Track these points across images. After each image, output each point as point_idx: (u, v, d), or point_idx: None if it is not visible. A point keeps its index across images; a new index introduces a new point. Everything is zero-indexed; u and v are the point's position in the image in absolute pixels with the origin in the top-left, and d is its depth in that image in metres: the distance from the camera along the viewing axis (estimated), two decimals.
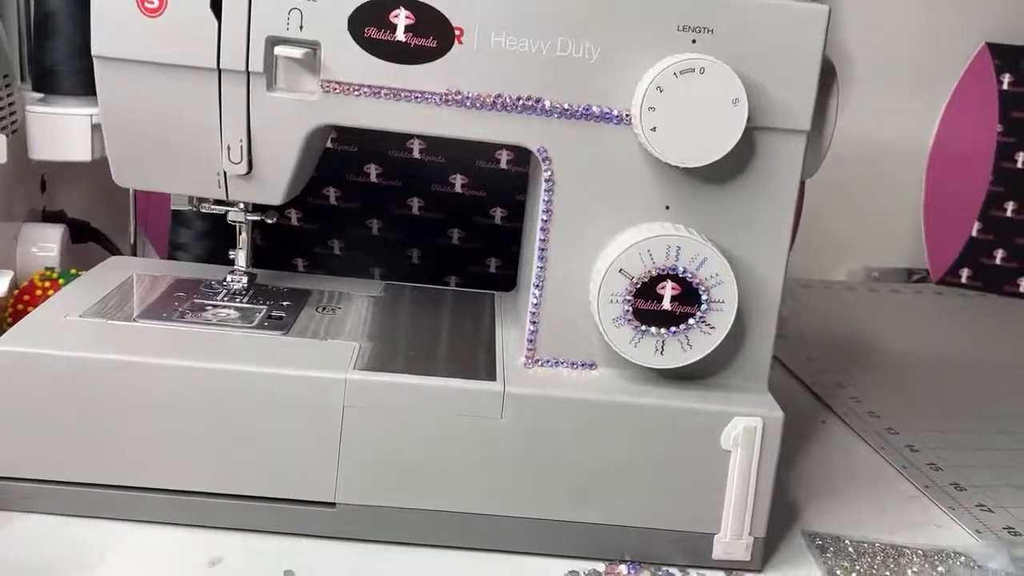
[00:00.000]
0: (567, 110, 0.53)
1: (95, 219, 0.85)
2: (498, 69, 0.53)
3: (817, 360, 0.92)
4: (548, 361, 0.57)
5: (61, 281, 0.70)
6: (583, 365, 0.57)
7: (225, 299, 0.62)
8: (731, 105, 0.51)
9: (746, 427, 0.54)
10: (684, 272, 0.53)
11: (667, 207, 0.55)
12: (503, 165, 0.76)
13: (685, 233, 0.53)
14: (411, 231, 0.79)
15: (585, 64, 0.53)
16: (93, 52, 0.53)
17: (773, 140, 0.54)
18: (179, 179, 0.57)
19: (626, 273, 0.53)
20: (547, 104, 0.53)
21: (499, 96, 0.53)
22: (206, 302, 0.61)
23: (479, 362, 0.57)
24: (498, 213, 0.78)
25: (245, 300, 0.62)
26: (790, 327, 1.01)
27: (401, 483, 0.54)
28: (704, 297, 0.53)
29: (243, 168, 0.55)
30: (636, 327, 0.54)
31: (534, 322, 0.57)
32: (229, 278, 0.63)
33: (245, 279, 0.63)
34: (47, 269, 0.73)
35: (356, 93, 0.53)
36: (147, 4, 0.52)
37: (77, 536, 0.53)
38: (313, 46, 0.52)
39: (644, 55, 0.52)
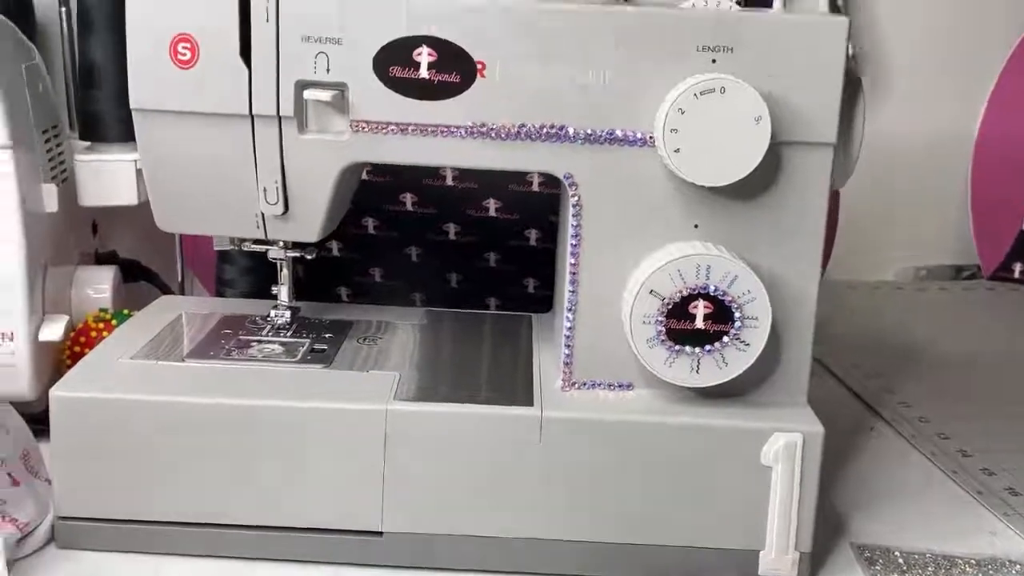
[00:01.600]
0: (591, 136, 0.54)
1: (146, 258, 0.88)
2: (521, 100, 0.54)
3: (864, 366, 0.91)
4: (585, 383, 0.58)
5: (114, 322, 0.73)
6: (620, 386, 0.57)
7: (270, 334, 0.64)
8: (754, 123, 0.51)
9: (787, 443, 0.54)
10: (715, 290, 0.53)
11: (696, 226, 0.55)
12: (535, 188, 0.77)
13: (715, 251, 0.53)
14: (449, 256, 0.80)
15: (607, 90, 0.53)
16: (132, 105, 0.55)
17: (800, 154, 0.54)
18: (219, 222, 0.59)
19: (657, 294, 0.53)
20: (571, 131, 0.54)
21: (523, 126, 0.54)
22: (251, 338, 0.63)
23: (517, 387, 0.57)
24: (533, 235, 0.79)
25: (289, 334, 0.64)
26: (833, 326, 1.00)
27: (446, 510, 0.55)
28: (737, 314, 0.54)
29: (279, 209, 0.57)
30: (670, 347, 0.54)
31: (569, 345, 0.57)
32: (273, 313, 0.65)
33: (288, 314, 0.65)
34: (101, 311, 0.76)
35: (384, 131, 0.54)
36: (180, 56, 0.53)
37: (135, 571, 0.54)
38: (341, 88, 0.54)
39: (665, 77, 0.53)
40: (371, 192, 0.78)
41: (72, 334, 0.74)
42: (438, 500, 0.55)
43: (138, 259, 0.87)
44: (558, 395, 0.57)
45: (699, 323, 0.54)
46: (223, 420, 0.54)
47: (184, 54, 0.53)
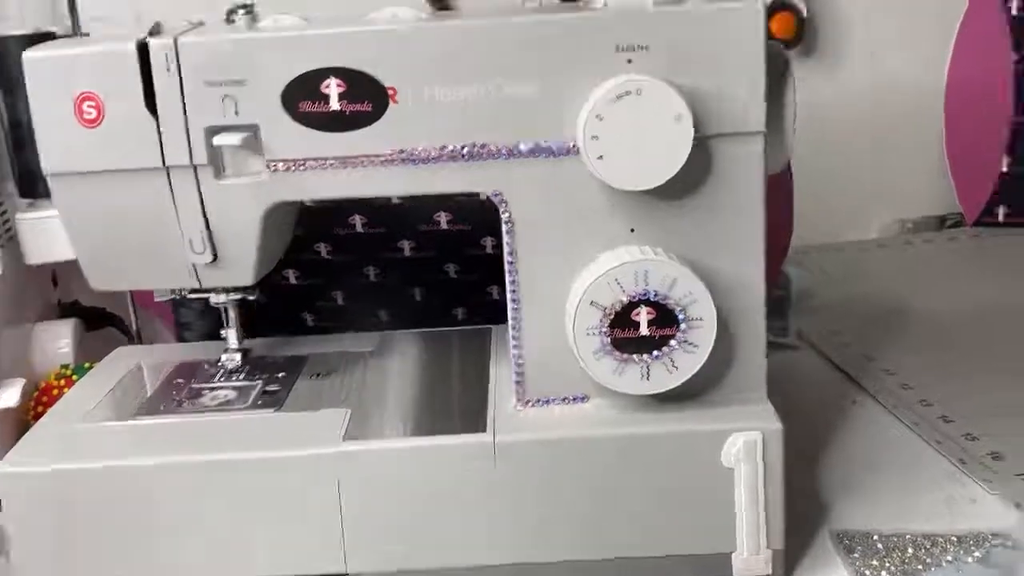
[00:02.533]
0: (513, 150, 0.52)
1: (112, 303, 0.87)
2: (438, 121, 0.52)
3: (844, 333, 0.89)
4: (539, 400, 0.56)
5: (75, 378, 0.72)
6: (575, 399, 0.56)
7: (222, 379, 0.63)
8: (674, 122, 0.50)
9: (746, 442, 0.53)
10: (656, 295, 0.52)
11: (632, 230, 0.54)
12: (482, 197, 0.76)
13: (651, 255, 0.52)
14: (408, 272, 0.79)
15: (527, 102, 0.52)
16: (44, 170, 0.54)
17: (729, 145, 0.52)
18: (152, 276, 0.58)
19: (598, 305, 0.52)
20: (492, 148, 0.52)
21: (443, 148, 0.52)
22: (204, 386, 0.62)
23: (470, 411, 0.56)
24: (488, 242, 0.77)
25: (241, 377, 0.63)
26: (816, 298, 0.98)
27: (410, 545, 0.54)
28: (681, 317, 0.52)
29: (208, 257, 0.56)
30: (617, 357, 0.53)
31: (519, 363, 0.56)
32: (224, 358, 0.64)
33: (239, 357, 0.64)
34: (62, 367, 0.75)
35: (302, 168, 0.53)
36: (86, 116, 0.52)
37: None
38: (252, 129, 0.52)
39: (584, 82, 0.51)
40: (320, 217, 0.76)
41: (35, 393, 0.73)
42: (400, 536, 0.54)
43: (103, 306, 0.86)
44: (512, 416, 0.56)
45: (644, 330, 0.52)
46: (172, 479, 0.53)
47: (89, 112, 0.52)
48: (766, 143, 0.53)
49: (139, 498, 0.53)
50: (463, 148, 0.52)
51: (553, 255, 0.54)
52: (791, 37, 1.05)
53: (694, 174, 0.52)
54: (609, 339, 0.52)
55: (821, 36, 1.09)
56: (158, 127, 0.52)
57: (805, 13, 1.04)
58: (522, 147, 0.52)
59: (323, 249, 0.78)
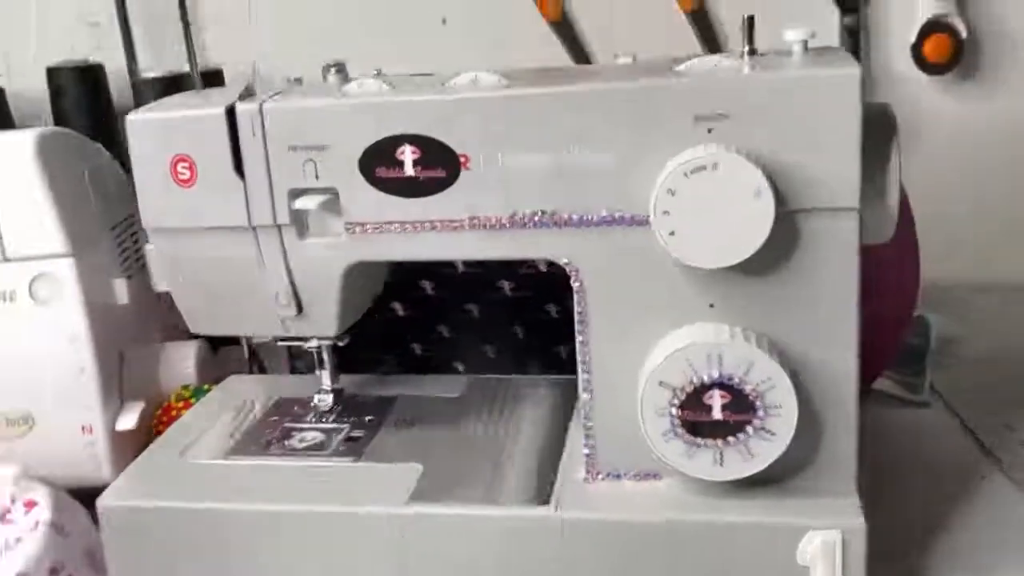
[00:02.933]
0: (585, 219, 0.51)
1: None
2: (509, 188, 0.51)
3: (985, 393, 0.81)
4: (609, 474, 0.55)
5: (192, 400, 0.76)
6: (647, 476, 0.54)
7: (313, 419, 0.65)
8: (753, 198, 0.47)
9: (824, 541, 0.49)
10: (731, 379, 0.49)
11: (711, 305, 0.51)
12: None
13: (726, 337, 0.49)
14: (509, 311, 0.79)
15: (600, 171, 0.50)
16: (143, 224, 0.57)
17: (819, 221, 0.49)
18: (245, 324, 0.60)
19: (667, 385, 0.50)
20: (564, 216, 0.51)
21: (514, 214, 0.52)
22: (295, 426, 0.65)
23: (540, 476, 0.55)
24: None
25: (331, 420, 0.65)
26: (958, 348, 0.90)
27: None
28: (758, 404, 0.49)
29: (292, 311, 0.57)
30: (687, 439, 0.50)
31: (589, 435, 0.54)
32: (316, 399, 0.66)
33: (330, 398, 0.66)
34: (183, 388, 0.80)
35: (379, 230, 0.53)
36: (180, 176, 0.55)
37: None
38: (332, 192, 0.53)
39: (660, 152, 0.48)
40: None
41: (158, 412, 0.78)
42: None
43: None
44: (580, 489, 0.54)
45: (717, 414, 0.50)
46: (245, 525, 0.55)
47: (184, 173, 0.55)
48: (867, 214, 0.49)
49: (214, 540, 0.56)
50: (533, 215, 0.51)
51: (625, 327, 0.52)
52: (946, 60, 0.96)
53: (779, 250, 0.49)
54: (679, 421, 0.50)
55: (982, 58, 0.99)
56: (245, 189, 0.54)
57: (964, 34, 0.96)
58: (594, 216, 0.51)
59: (428, 286, 0.79)
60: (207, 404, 0.70)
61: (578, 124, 0.49)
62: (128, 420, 0.72)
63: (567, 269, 0.52)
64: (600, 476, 0.55)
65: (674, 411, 0.50)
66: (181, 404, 0.77)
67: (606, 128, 0.49)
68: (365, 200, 0.53)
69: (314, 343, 0.64)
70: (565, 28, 0.94)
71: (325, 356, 0.65)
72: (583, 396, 0.54)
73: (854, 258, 0.49)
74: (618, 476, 0.55)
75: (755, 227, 0.47)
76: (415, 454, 0.60)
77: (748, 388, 0.49)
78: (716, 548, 0.51)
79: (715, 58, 0.50)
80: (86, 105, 0.90)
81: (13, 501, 0.61)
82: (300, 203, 0.53)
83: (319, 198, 0.53)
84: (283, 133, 0.53)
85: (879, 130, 0.49)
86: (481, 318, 0.80)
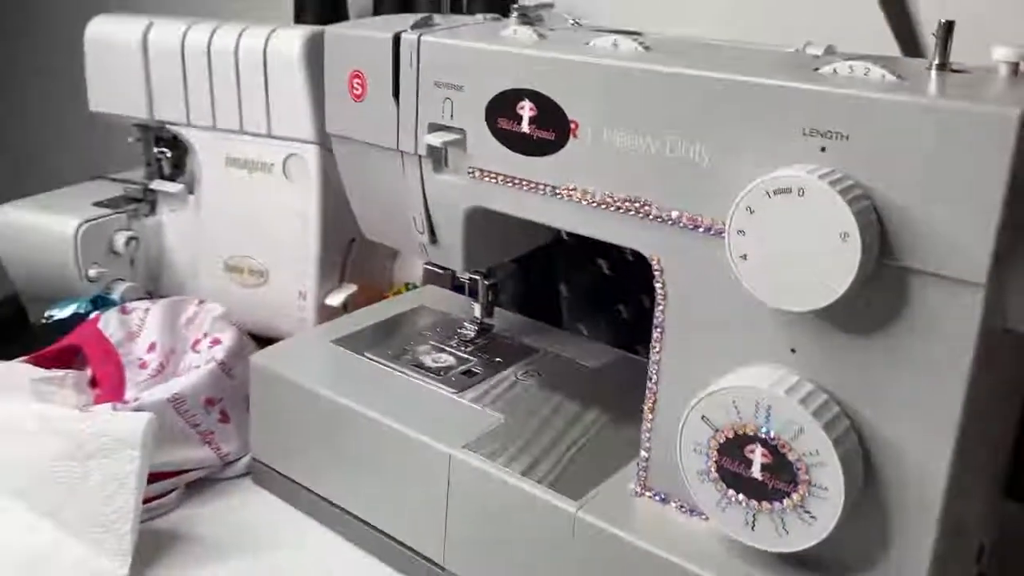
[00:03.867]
0: (674, 218, 0.46)
1: None
2: (609, 166, 0.48)
3: None
4: (657, 494, 0.50)
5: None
6: (695, 512, 0.49)
7: (454, 344, 0.68)
8: (839, 240, 0.38)
9: None
10: (775, 440, 0.42)
11: (793, 350, 0.44)
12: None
13: (782, 390, 0.42)
14: None
15: (696, 168, 0.44)
16: (326, 128, 0.62)
17: (934, 289, 0.39)
18: (398, 239, 0.63)
19: (710, 422, 0.44)
20: (654, 209, 0.46)
21: (609, 194, 0.48)
22: (437, 344, 0.68)
23: (590, 473, 0.53)
24: None
25: (468, 349, 0.67)
26: None
27: (494, 568, 0.54)
28: (801, 476, 0.42)
29: (427, 238, 0.59)
30: (721, 489, 0.44)
31: (647, 447, 0.50)
32: (466, 326, 0.69)
33: (475, 328, 0.68)
34: (404, 286, 0.87)
35: (492, 180, 0.53)
36: (354, 90, 0.59)
37: (292, 527, 0.64)
38: (461, 133, 0.54)
39: (760, 162, 0.42)
40: None
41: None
42: (488, 557, 0.54)
43: None
44: (621, 497, 0.51)
45: (755, 471, 0.43)
46: (340, 416, 0.60)
47: (357, 89, 0.59)
48: (1014, 295, 0.38)
49: (322, 423, 0.62)
50: (625, 200, 0.47)
51: (700, 345, 0.47)
52: None
53: (879, 308, 0.40)
54: (715, 465, 0.44)
55: None
56: (398, 114, 0.57)
57: None
58: (683, 216, 0.45)
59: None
60: (392, 303, 0.76)
61: (683, 111, 0.44)
62: (336, 298, 0.81)
63: (652, 266, 0.48)
64: (648, 494, 0.51)
65: (711, 453, 0.44)
66: (389, 296, 0.84)
67: (708, 121, 0.43)
68: (485, 148, 0.53)
69: (465, 274, 0.66)
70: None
71: (479, 290, 0.67)
72: (646, 405, 0.50)
73: (970, 342, 0.38)
74: (665, 500, 0.50)
75: (835, 275, 0.39)
76: (510, 408, 0.60)
77: (792, 456, 0.42)
78: None
79: (870, 66, 0.41)
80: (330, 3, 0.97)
81: (206, 335, 0.73)
82: (429, 138, 0.54)
83: (446, 136, 0.54)
84: (433, 67, 0.54)
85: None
86: None
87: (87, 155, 1.08)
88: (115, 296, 0.84)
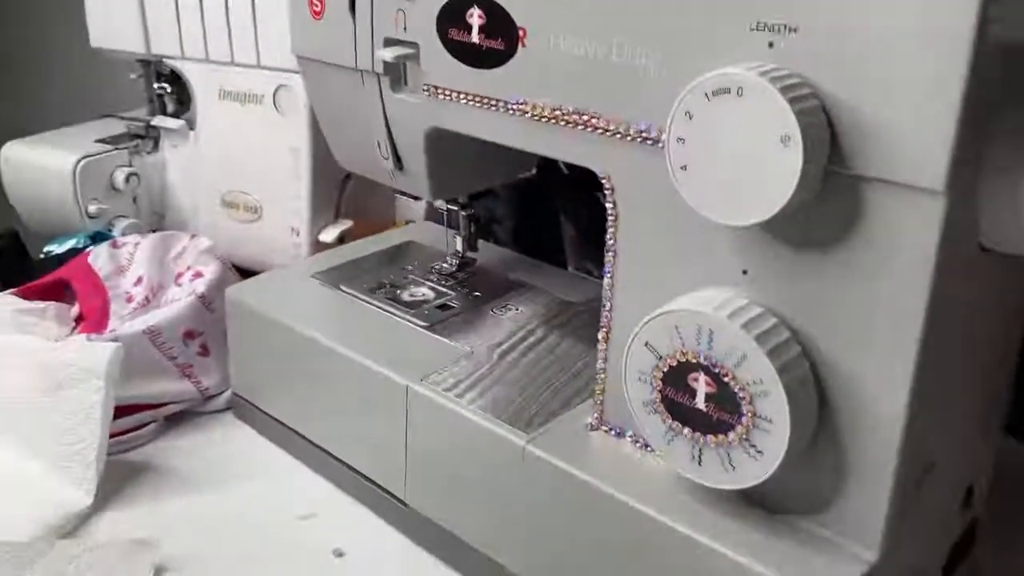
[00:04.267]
0: (624, 131, 0.42)
1: None
2: (558, 77, 0.44)
3: None
4: (612, 429, 0.47)
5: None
6: (650, 447, 0.46)
7: (433, 278, 0.65)
8: (779, 145, 0.35)
9: None
10: (716, 367, 0.39)
11: (744, 272, 0.40)
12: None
13: (724, 313, 0.38)
14: None
15: (642, 74, 0.41)
16: (291, 49, 0.59)
17: (892, 199, 0.35)
18: (366, 166, 0.61)
19: (653, 349, 0.41)
20: (604, 121, 0.43)
21: (558, 108, 0.45)
22: (415, 279, 0.65)
23: (548, 408, 0.50)
24: None
25: (447, 284, 0.65)
26: None
27: (454, 506, 0.52)
28: (745, 408, 0.38)
29: (392, 163, 0.57)
30: (665, 419, 0.41)
31: (601, 378, 0.47)
32: (448, 260, 0.66)
33: (456, 263, 0.66)
34: (406, 222, 0.85)
35: (447, 97, 0.50)
36: (314, 7, 0.56)
37: (259, 454, 0.64)
38: (414, 47, 0.51)
39: (707, 63, 0.38)
40: None
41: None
42: (445, 494, 0.52)
43: None
44: (571, 431, 0.48)
45: (699, 402, 0.40)
46: (308, 350, 0.58)
47: (316, 5, 0.56)
48: (989, 208, 0.34)
49: (285, 351, 0.60)
50: (574, 113, 0.44)
51: (651, 268, 0.43)
52: None
53: (834, 222, 0.36)
54: (659, 395, 0.41)
55: None
56: (355, 30, 0.54)
57: None
58: (631, 128, 0.42)
59: None
60: (380, 238, 0.74)
61: (623, 9, 0.40)
62: (329, 234, 0.79)
63: (603, 184, 0.44)
64: (604, 428, 0.48)
65: (655, 382, 0.41)
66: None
67: (650, 21, 0.39)
68: (438, 62, 0.49)
69: (441, 204, 0.63)
70: None
71: (460, 222, 0.64)
72: (600, 334, 0.47)
73: (930, 257, 0.34)
74: (620, 434, 0.47)
75: (777, 183, 0.35)
76: (478, 341, 0.57)
77: (736, 385, 0.38)
78: (675, 563, 0.42)
79: None
80: None
81: (189, 268, 0.72)
82: (381, 53, 0.51)
83: (399, 50, 0.51)
84: None
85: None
86: None
87: (98, 94, 1.08)
88: (115, 233, 0.84)
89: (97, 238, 0.82)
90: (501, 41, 0.46)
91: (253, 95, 0.78)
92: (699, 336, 0.39)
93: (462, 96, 0.49)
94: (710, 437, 0.40)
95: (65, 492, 0.57)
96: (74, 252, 0.80)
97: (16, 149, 0.87)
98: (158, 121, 0.86)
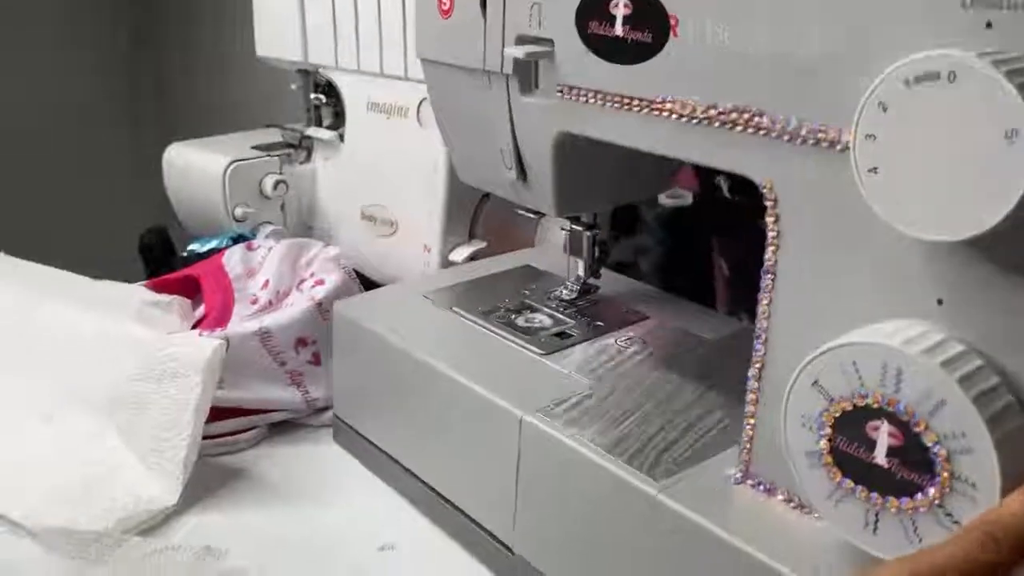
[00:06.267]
0: (794, 131, 0.36)
1: None
2: (714, 70, 0.38)
3: None
4: (761, 483, 0.41)
5: None
6: (807, 509, 0.39)
7: (552, 304, 0.60)
8: (1002, 141, 0.28)
9: None
10: (906, 414, 0.32)
11: (940, 301, 0.33)
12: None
13: (919, 349, 0.31)
14: None
15: (820, 62, 0.35)
16: (416, 52, 0.56)
17: None
18: (488, 179, 0.56)
19: (823, 389, 0.34)
20: (767, 120, 0.37)
21: (713, 105, 0.39)
22: (533, 304, 0.60)
23: (691, 456, 0.44)
24: None
25: (565, 311, 0.59)
26: None
27: (566, 555, 0.46)
28: (939, 467, 0.31)
29: (515, 174, 0.52)
30: (832, 474, 0.35)
31: (751, 423, 0.41)
32: (567, 285, 0.61)
33: (576, 289, 0.60)
34: None
35: (583, 99, 0.45)
36: (443, 5, 0.52)
37: (353, 477, 0.59)
38: (549, 44, 0.46)
39: (902, 45, 0.31)
40: None
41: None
42: (559, 541, 0.46)
43: None
44: (717, 485, 0.41)
45: (879, 456, 0.33)
46: (418, 372, 0.54)
47: (445, 3, 0.52)
48: None
49: (393, 371, 0.56)
50: (732, 111, 0.38)
51: (823, 297, 0.37)
52: None
53: None
54: (828, 445, 0.34)
55: None
56: (485, 28, 0.50)
57: None
58: (804, 129, 0.36)
59: None
60: (498, 260, 0.69)
61: None
62: (460, 254, 0.75)
63: (763, 198, 0.38)
64: (750, 482, 0.41)
65: (824, 429, 0.34)
66: None
67: (834, 7, 0.33)
68: (575, 59, 0.45)
69: (567, 225, 0.58)
70: None
71: (583, 244, 0.59)
72: (751, 372, 0.40)
73: None
74: (770, 490, 0.40)
75: (999, 189, 0.28)
76: (602, 376, 0.51)
77: (929, 437, 0.31)
78: None
79: None
80: None
81: (312, 275, 0.69)
82: (514, 50, 0.47)
83: (532, 48, 0.46)
84: None
85: None
86: None
87: (268, 104, 1.08)
88: (259, 238, 0.82)
89: (239, 241, 0.80)
90: (648, 32, 0.41)
91: (398, 108, 0.76)
92: (884, 376, 0.32)
93: (600, 96, 0.44)
94: (891, 500, 0.33)
95: (152, 488, 0.55)
96: (214, 252, 0.79)
97: (178, 150, 0.89)
98: (311, 132, 0.87)
